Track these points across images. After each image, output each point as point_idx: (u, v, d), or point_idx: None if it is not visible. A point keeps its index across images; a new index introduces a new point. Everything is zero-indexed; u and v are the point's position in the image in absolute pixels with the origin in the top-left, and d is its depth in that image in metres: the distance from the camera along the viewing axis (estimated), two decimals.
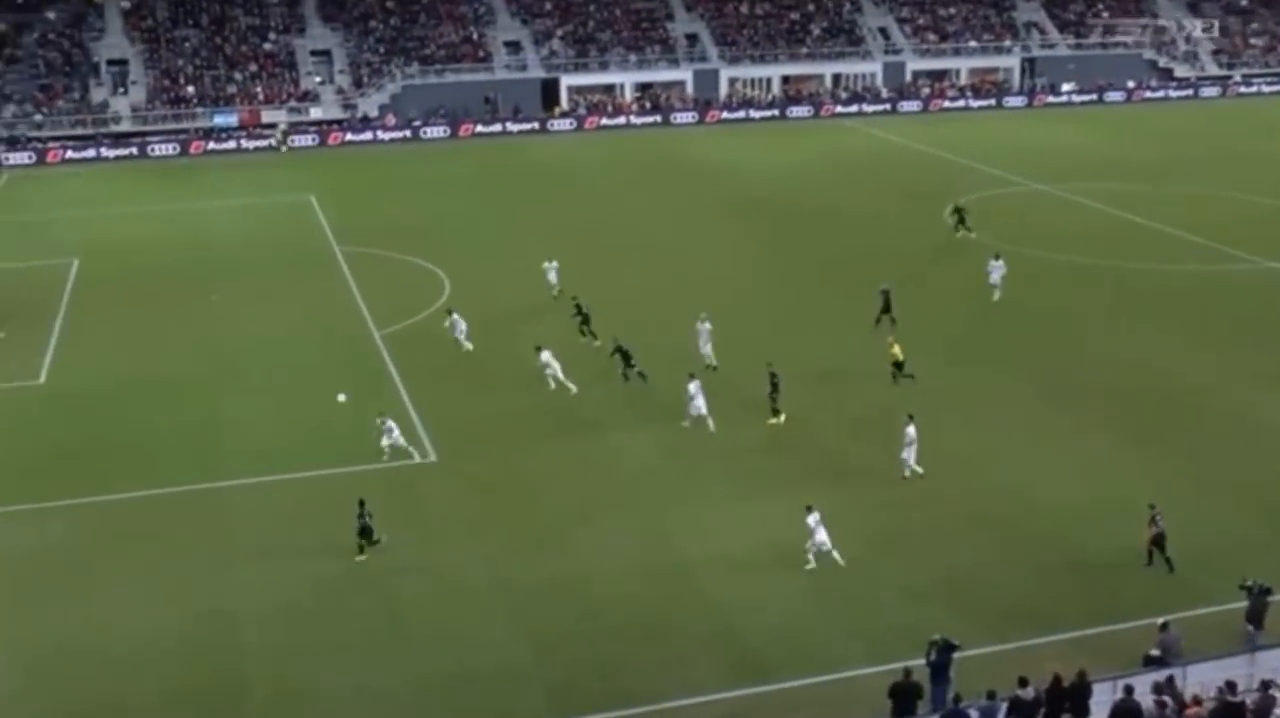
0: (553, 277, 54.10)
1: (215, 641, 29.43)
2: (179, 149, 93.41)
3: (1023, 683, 23.96)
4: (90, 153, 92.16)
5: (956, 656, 25.68)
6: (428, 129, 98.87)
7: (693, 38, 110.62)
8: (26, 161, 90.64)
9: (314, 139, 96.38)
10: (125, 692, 27.59)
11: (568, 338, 47.46)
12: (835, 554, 31.51)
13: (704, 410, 39.85)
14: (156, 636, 29.54)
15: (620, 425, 40.98)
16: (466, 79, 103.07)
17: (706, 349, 44.89)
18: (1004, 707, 24.10)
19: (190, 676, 28.15)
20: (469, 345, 47.64)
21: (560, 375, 43.24)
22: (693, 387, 39.99)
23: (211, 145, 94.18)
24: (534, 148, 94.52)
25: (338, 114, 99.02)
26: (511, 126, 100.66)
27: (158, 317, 53.23)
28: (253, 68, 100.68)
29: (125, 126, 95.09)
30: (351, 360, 47.59)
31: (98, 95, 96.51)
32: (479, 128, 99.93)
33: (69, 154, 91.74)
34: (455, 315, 48.45)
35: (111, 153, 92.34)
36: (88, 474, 38.24)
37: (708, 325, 45.21)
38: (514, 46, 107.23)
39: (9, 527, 35.03)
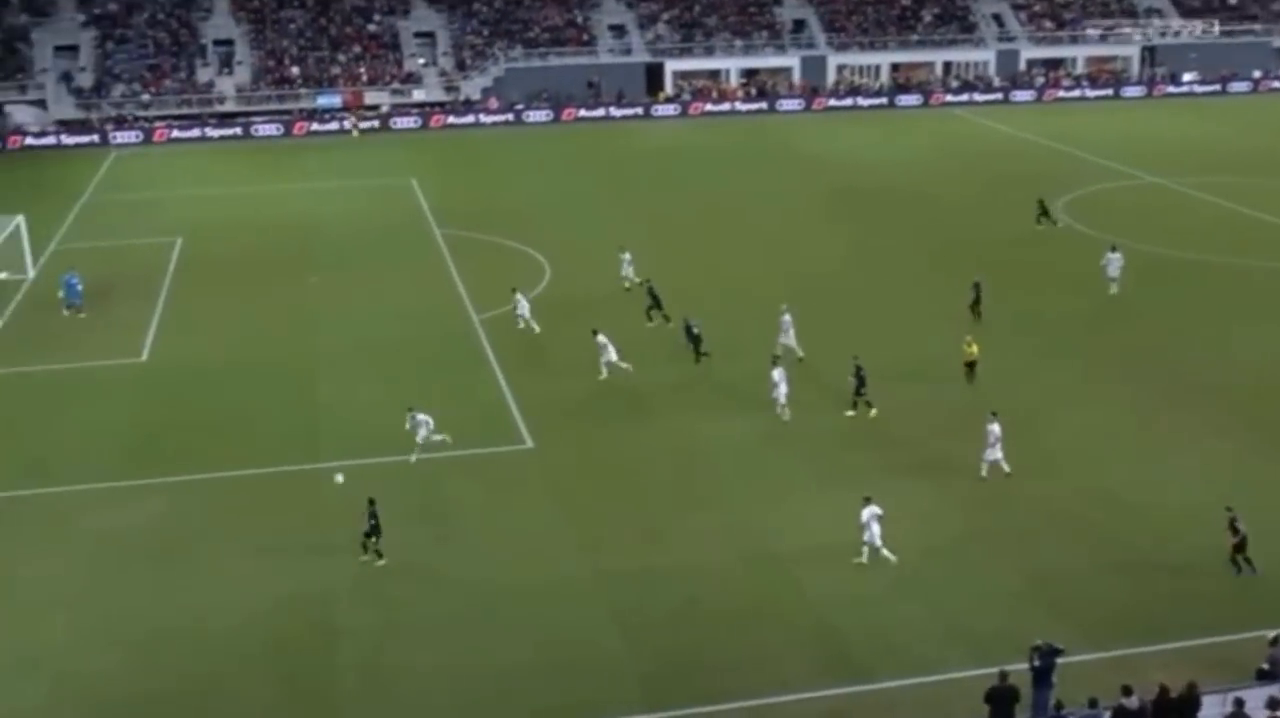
0: (626, 268, 53.39)
1: (308, 622, 29.43)
2: (282, 130, 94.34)
3: (1126, 692, 23.10)
4: (195, 133, 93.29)
5: (1059, 661, 24.86)
6: (530, 113, 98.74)
7: (800, 24, 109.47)
8: (134, 141, 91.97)
9: (416, 121, 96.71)
10: (218, 670, 27.67)
11: (656, 325, 47.75)
12: (867, 554, 30.97)
13: (782, 398, 39.43)
14: (250, 614, 29.62)
15: (712, 414, 40.52)
16: (570, 62, 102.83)
17: (785, 340, 44.13)
18: (1106, 716, 23.27)
19: (283, 656, 28.20)
20: (536, 327, 47.55)
21: (614, 358, 42.82)
22: (776, 373, 39.57)
23: (314, 126, 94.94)
24: (637, 133, 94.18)
25: (440, 96, 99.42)
26: (615, 111, 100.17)
27: (258, 296, 53.68)
28: (356, 49, 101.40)
29: (230, 107, 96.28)
30: (449, 345, 47.59)
31: (204, 75, 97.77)
32: (582, 112, 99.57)
33: (175, 134, 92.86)
34: (519, 295, 48.44)
35: (216, 133, 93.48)
36: (186, 452, 38.52)
37: (788, 317, 44.53)
38: (618, 30, 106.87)
39: (110, 503, 35.38)
